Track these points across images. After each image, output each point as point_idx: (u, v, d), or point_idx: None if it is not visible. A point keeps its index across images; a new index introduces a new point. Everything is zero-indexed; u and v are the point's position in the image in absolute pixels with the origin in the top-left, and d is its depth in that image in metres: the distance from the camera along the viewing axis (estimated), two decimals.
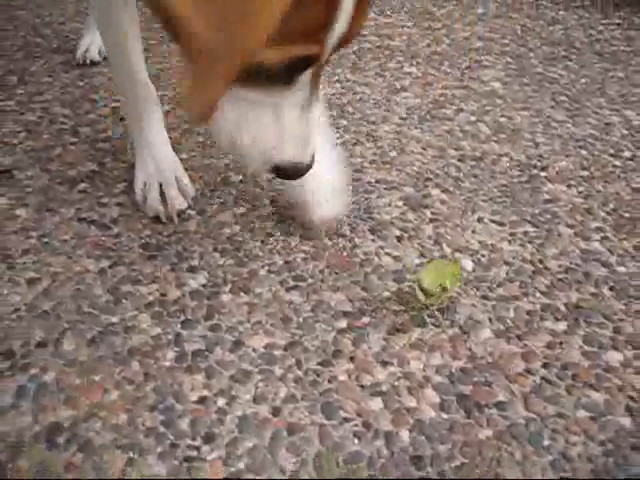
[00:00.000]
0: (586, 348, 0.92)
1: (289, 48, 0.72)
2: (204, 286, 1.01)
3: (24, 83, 1.66)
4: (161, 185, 1.15)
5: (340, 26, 0.74)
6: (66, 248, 1.09)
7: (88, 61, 1.73)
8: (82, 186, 1.25)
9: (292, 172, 0.85)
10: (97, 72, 1.70)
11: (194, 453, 0.77)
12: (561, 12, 2.10)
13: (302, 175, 0.88)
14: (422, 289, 0.95)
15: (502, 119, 1.46)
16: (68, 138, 1.41)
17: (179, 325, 0.94)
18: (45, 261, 1.06)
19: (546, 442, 0.79)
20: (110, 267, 1.05)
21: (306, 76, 0.79)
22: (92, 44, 1.75)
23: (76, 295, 1.00)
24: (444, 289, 0.94)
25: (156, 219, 1.14)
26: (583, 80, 1.65)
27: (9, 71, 1.72)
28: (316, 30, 0.73)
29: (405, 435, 0.79)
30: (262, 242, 1.09)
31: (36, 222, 1.15)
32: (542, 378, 0.87)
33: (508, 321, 0.95)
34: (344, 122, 1.43)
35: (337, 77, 1.63)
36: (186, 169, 1.26)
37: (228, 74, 0.69)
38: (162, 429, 0.80)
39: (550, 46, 1.84)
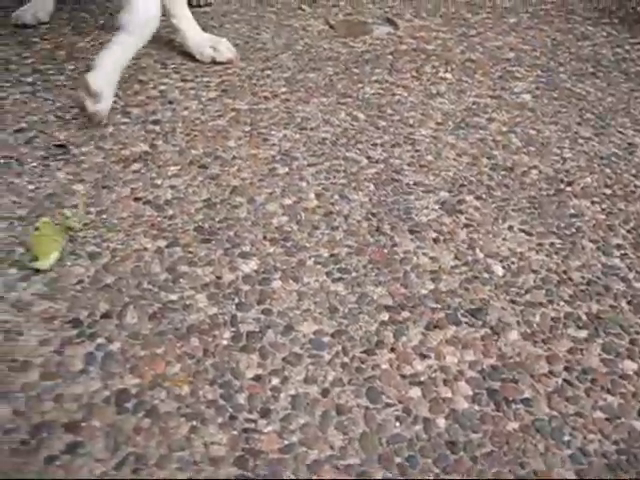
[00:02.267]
0: (604, 356, 1.00)
1: None
2: (256, 272, 1.09)
3: (73, 59, 1.72)
4: None
5: None
6: (124, 225, 1.17)
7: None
8: (136, 166, 1.32)
9: None
10: (144, 53, 1.76)
11: (252, 425, 0.86)
12: (590, 28, 2.16)
13: None
14: None
15: (532, 131, 1.54)
16: (120, 118, 1.48)
17: (234, 307, 1.02)
18: (104, 237, 1.14)
19: (566, 437, 0.88)
20: (167, 247, 1.13)
21: None
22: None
23: (136, 271, 1.08)
24: None
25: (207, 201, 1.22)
26: (609, 99, 1.72)
27: (57, 46, 1.78)
28: None
29: (441, 422, 0.88)
30: (309, 234, 1.17)
31: (94, 198, 1.23)
32: (564, 380, 0.95)
33: (534, 325, 1.03)
34: (383, 123, 1.51)
35: (376, 77, 1.70)
36: (234, 158, 1.35)
37: None
38: (222, 402, 0.88)
39: (579, 62, 1.91)
